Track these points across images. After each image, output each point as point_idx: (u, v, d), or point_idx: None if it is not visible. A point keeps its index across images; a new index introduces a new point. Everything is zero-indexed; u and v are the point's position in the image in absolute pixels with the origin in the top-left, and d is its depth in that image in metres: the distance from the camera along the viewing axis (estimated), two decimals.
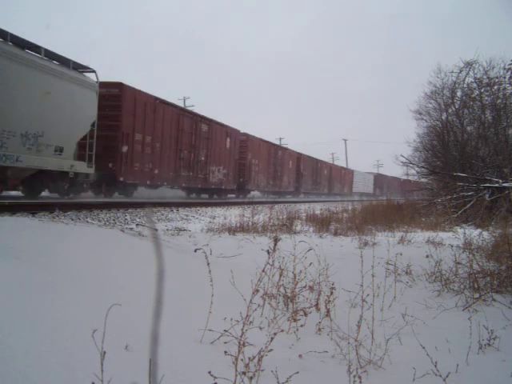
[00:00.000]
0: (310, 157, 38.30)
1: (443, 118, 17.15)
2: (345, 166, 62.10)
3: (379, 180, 63.08)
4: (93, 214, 9.34)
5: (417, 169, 17.78)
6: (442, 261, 4.23)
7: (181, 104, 41.38)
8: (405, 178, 59.98)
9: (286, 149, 33.79)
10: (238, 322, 2.28)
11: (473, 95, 15.02)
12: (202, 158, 20.76)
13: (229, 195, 26.11)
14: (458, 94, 16.00)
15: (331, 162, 45.53)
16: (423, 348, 2.21)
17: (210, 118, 21.35)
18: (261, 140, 28.08)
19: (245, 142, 25.67)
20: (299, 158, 35.35)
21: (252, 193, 27.99)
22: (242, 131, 25.81)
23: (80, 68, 12.80)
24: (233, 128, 24.08)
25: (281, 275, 3.10)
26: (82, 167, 12.69)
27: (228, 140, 23.41)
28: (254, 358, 1.95)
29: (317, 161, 40.35)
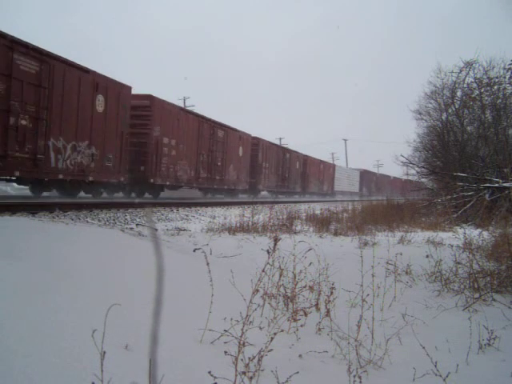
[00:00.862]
0: (273, 144, 29.33)
1: (443, 118, 17.17)
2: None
3: (366, 177, 55.27)
4: (93, 213, 9.34)
5: (417, 169, 17.79)
6: (441, 261, 4.23)
7: (181, 104, 39.69)
8: (396, 176, 58.04)
9: (232, 130, 22.70)
10: (238, 321, 2.28)
11: (473, 95, 15.02)
12: (23, 122, 10.58)
13: (127, 194, 16.35)
14: (458, 93, 16.02)
15: (305, 154, 35.32)
16: (423, 348, 2.21)
17: (50, 53, 11.45)
18: (182, 110, 18.20)
19: (146, 108, 15.63)
20: (256, 144, 25.92)
21: (165, 191, 18.45)
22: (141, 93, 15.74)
23: None
24: (112, 81, 13.99)
25: (281, 275, 3.10)
26: None
27: (100, 99, 13.31)
28: (254, 357, 1.95)
29: (284, 150, 31.44)
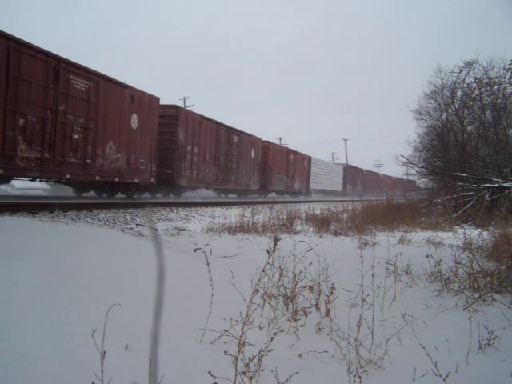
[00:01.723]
0: (209, 119, 19.17)
1: (443, 117, 17.18)
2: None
3: (351, 174, 47.36)
4: (93, 213, 9.34)
5: (417, 169, 17.81)
6: (441, 261, 4.23)
7: (181, 104, 39.39)
8: (386, 174, 54.66)
9: (110, 82, 13.27)
10: (237, 321, 2.28)
11: (473, 95, 15.03)
12: None
13: None
14: (458, 93, 16.04)
15: (265, 140, 26.45)
16: (423, 348, 2.21)
17: None
18: None
19: None
20: (175, 116, 16.53)
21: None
22: None
23: None
24: None
25: (281, 275, 3.10)
26: None
27: None
28: (254, 357, 1.95)
29: (229, 130, 21.30)
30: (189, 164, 17.58)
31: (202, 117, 18.74)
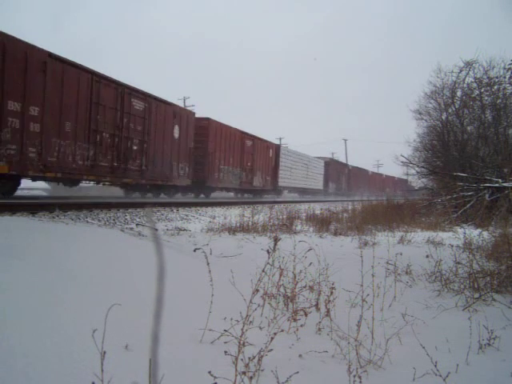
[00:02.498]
0: (62, 60, 11.26)
1: (443, 117, 17.18)
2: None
3: (334, 170, 41.11)
4: (93, 213, 9.34)
5: (417, 169, 17.81)
6: (441, 261, 4.23)
7: (181, 104, 39.00)
8: (375, 171, 50.99)
9: None
10: (237, 321, 2.28)
11: (473, 95, 15.04)
12: None
13: None
14: (458, 93, 16.04)
15: (206, 117, 19.35)
16: (423, 348, 2.21)
17: None
18: None
19: None
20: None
21: None
22: None
23: None
24: None
25: (281, 275, 3.10)
26: None
27: None
28: (254, 357, 1.95)
29: (121, 87, 13.66)
30: (17, 137, 10.25)
31: (53, 56, 11.17)
